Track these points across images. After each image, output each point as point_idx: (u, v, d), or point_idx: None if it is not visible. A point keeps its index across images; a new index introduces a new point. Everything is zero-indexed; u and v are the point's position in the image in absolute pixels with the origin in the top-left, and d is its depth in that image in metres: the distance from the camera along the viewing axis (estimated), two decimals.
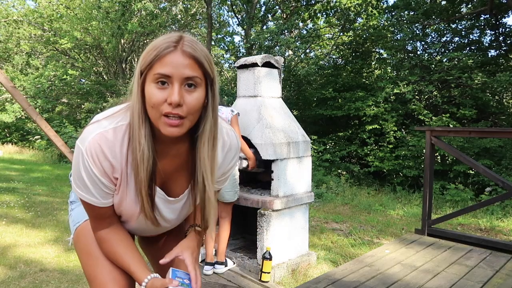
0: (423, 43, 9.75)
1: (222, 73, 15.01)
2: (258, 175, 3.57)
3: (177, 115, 0.91)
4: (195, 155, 1.03)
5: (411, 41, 9.71)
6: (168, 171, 1.08)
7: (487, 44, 9.26)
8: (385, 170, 8.25)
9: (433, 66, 8.56)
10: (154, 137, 1.00)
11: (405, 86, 8.33)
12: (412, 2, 9.54)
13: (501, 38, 9.11)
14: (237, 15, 13.39)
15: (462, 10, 9.81)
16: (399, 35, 9.87)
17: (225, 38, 14.36)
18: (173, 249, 1.14)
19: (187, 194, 1.14)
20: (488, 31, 9.24)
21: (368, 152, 8.63)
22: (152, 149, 0.98)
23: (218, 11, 14.40)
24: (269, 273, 2.95)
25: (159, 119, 0.93)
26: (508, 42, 9.00)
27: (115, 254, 1.10)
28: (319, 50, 13.57)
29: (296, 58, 11.30)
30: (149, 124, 0.97)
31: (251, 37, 10.81)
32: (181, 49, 0.91)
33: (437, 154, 7.80)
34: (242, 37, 13.81)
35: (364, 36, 10.55)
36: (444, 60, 8.77)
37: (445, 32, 9.44)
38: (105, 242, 1.11)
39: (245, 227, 3.81)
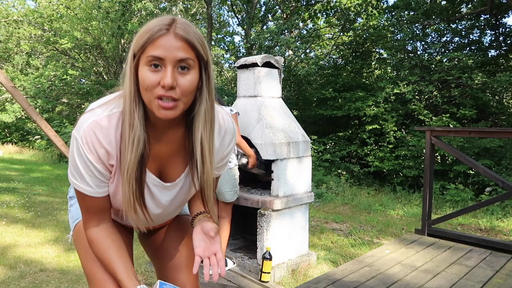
0: (423, 43, 9.75)
1: (222, 73, 15.01)
2: (258, 175, 3.57)
3: (170, 98, 0.91)
4: (191, 138, 1.02)
5: (411, 41, 9.70)
6: (163, 156, 1.08)
7: (487, 44, 9.26)
8: (385, 170, 8.25)
9: (433, 66, 8.56)
10: (148, 121, 1.00)
11: (405, 86, 8.33)
12: (412, 2, 9.53)
13: (501, 38, 9.11)
14: (237, 15, 13.40)
15: (462, 10, 9.80)
16: (399, 35, 9.87)
17: (225, 38, 14.38)
18: (201, 224, 1.12)
19: (184, 178, 1.13)
20: (488, 31, 9.24)
21: (368, 152, 8.62)
22: (144, 131, 0.97)
23: (218, 11, 14.42)
24: (269, 273, 2.95)
25: (152, 102, 0.92)
26: (508, 42, 8.99)
27: (104, 259, 1.07)
28: (319, 50, 13.56)
29: (296, 58, 11.30)
30: (142, 108, 0.97)
31: (251, 37, 10.81)
32: (174, 31, 0.91)
33: (437, 154, 7.80)
34: (242, 37, 13.84)
35: (364, 36, 10.54)
36: (444, 60, 8.77)
37: (445, 32, 9.43)
38: (94, 244, 1.08)
39: (245, 227, 3.81)
